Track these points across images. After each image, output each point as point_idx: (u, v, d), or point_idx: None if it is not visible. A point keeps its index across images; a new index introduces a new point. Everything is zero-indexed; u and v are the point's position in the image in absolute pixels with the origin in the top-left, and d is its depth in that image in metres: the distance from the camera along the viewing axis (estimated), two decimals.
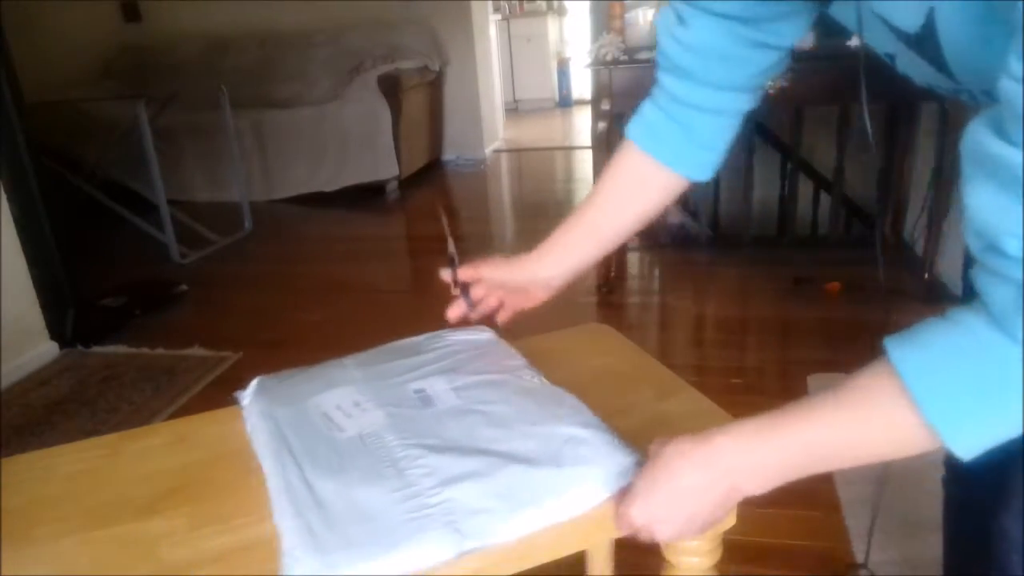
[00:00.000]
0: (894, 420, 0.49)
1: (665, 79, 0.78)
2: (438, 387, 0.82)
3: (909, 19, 0.53)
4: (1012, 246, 0.43)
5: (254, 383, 0.86)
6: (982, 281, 0.47)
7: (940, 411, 0.47)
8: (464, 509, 0.63)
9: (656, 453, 0.60)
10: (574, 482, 0.66)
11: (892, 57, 0.60)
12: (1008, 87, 0.41)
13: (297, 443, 0.74)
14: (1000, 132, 0.42)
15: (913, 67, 0.59)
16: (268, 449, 0.74)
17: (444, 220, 1.02)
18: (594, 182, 2.97)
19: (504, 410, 0.76)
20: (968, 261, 0.61)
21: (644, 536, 0.62)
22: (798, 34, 0.71)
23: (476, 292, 0.90)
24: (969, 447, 0.47)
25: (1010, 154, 0.41)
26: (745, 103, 0.77)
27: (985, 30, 0.48)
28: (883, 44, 0.59)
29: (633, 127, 0.81)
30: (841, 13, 0.64)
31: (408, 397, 0.80)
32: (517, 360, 0.88)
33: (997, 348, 0.45)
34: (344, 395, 0.81)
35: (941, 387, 0.47)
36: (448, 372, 0.84)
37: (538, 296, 0.90)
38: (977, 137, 0.44)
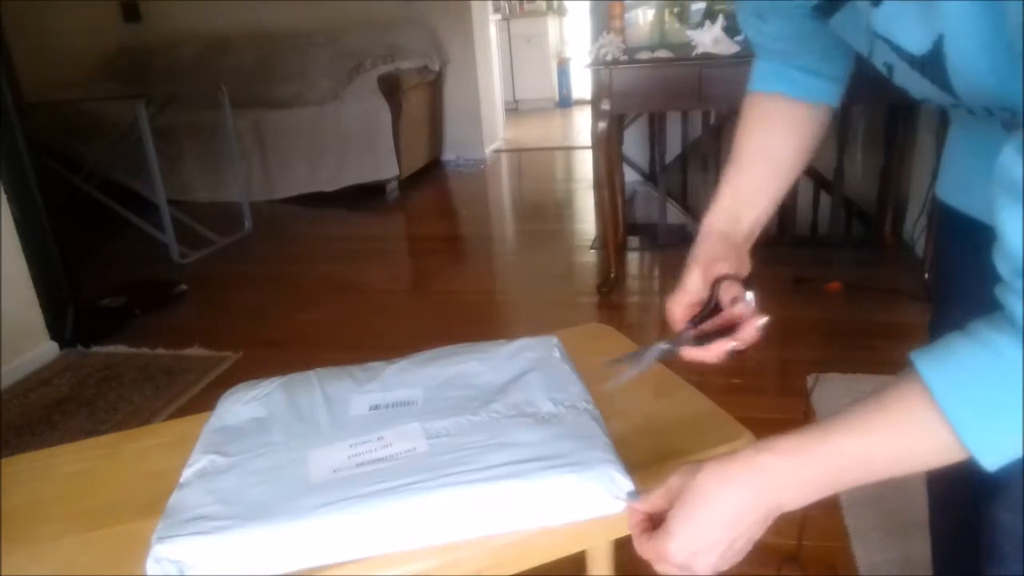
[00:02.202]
0: (926, 436, 0.50)
1: (764, 58, 0.81)
2: (410, 431, 0.77)
3: (916, 43, 0.52)
4: None
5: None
6: (1010, 300, 0.48)
7: (974, 430, 0.48)
8: (569, 456, 0.69)
9: (685, 482, 0.57)
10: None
11: (890, 68, 0.59)
12: None
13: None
14: None
15: (911, 82, 0.58)
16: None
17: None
18: (594, 181, 2.98)
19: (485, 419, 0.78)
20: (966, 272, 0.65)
21: (681, 573, 0.58)
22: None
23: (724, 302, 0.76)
24: (998, 461, 0.49)
25: None
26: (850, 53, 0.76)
27: (993, 56, 0.48)
28: (882, 55, 0.59)
29: (755, 79, 0.82)
30: (842, 27, 0.63)
31: (392, 440, 0.76)
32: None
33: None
34: (337, 452, 0.75)
35: (973, 406, 0.48)
36: (389, 426, 0.79)
37: (745, 261, 0.82)
38: (1007, 162, 0.45)
